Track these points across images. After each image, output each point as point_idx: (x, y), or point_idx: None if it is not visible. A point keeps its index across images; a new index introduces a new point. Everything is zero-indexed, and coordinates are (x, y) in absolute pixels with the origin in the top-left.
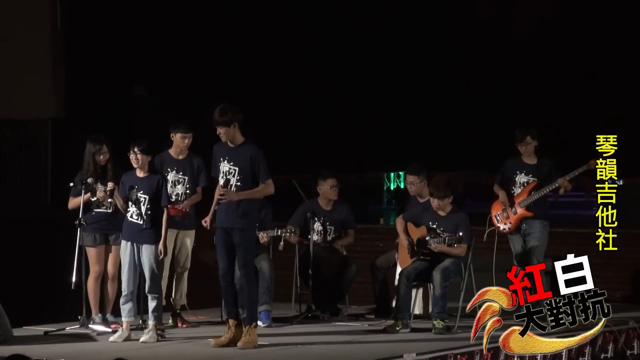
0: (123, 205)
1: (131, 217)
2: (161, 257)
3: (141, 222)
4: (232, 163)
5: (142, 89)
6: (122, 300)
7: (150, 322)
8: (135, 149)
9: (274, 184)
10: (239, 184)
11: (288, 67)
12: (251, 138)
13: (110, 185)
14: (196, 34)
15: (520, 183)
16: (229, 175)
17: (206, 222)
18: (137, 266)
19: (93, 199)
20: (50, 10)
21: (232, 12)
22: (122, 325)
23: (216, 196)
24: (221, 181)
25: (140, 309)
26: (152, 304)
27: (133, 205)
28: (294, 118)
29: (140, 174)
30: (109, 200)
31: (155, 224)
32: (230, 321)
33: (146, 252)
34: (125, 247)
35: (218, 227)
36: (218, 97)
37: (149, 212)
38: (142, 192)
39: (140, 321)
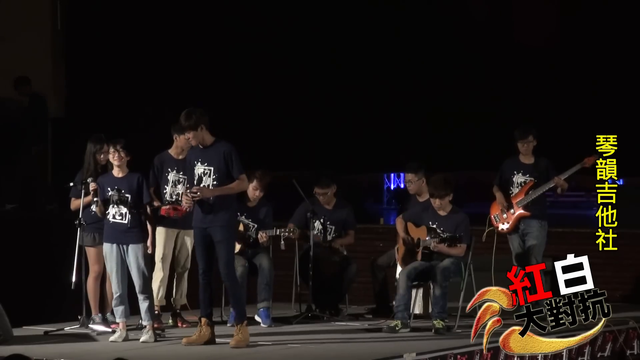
0: (102, 208)
1: (113, 218)
2: (149, 251)
3: (125, 222)
4: (205, 164)
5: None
6: (114, 302)
7: (146, 322)
8: (118, 147)
9: (274, 182)
10: (215, 182)
11: (288, 64)
12: (253, 135)
13: (92, 185)
14: (199, 31)
15: (517, 183)
16: (204, 176)
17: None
18: (125, 267)
19: (95, 199)
20: (50, 10)
21: (244, 10)
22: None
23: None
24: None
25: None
26: (144, 305)
27: (115, 206)
28: (295, 116)
29: (118, 174)
30: (95, 199)
31: (140, 223)
32: (202, 320)
33: (133, 252)
34: (110, 249)
35: (195, 227)
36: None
37: (133, 210)
38: (123, 191)
39: (140, 321)
